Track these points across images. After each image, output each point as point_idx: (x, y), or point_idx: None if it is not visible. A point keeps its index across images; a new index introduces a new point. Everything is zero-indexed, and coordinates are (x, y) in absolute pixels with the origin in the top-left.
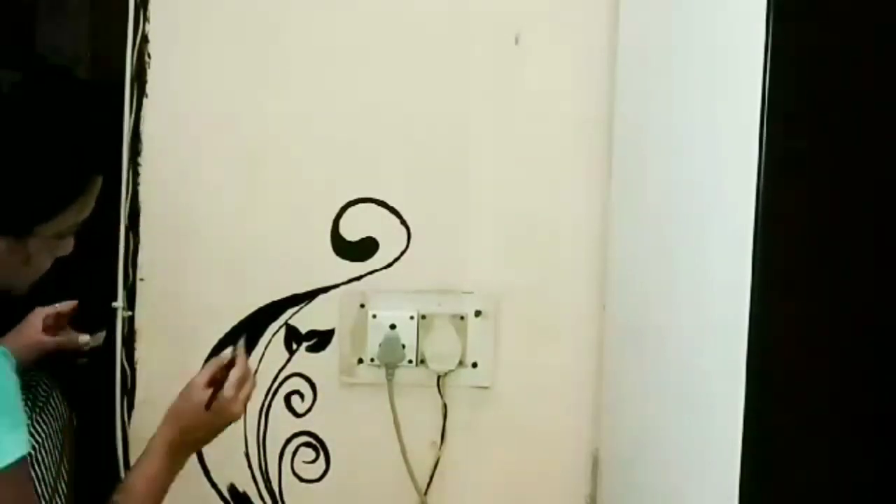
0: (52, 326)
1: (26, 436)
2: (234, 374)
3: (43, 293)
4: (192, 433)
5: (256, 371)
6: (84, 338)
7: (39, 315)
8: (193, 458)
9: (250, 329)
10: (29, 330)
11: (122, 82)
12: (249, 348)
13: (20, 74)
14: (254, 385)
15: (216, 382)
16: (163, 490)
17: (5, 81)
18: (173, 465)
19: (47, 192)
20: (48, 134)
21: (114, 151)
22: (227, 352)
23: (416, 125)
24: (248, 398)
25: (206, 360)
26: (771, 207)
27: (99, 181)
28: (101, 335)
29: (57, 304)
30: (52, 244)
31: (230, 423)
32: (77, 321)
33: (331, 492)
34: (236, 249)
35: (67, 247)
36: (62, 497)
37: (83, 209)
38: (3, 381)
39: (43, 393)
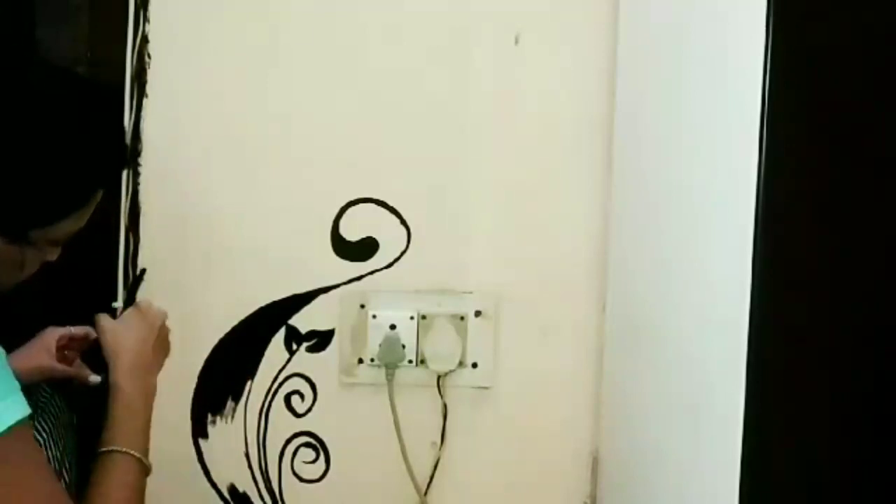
0: (62, 348)
1: (23, 399)
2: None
3: (44, 294)
4: (134, 353)
5: (256, 371)
6: (94, 378)
7: (53, 336)
8: (193, 458)
9: (249, 329)
10: (41, 353)
11: (122, 82)
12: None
13: (39, 76)
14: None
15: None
16: (139, 412)
17: (26, 82)
18: (135, 387)
19: (50, 197)
20: (60, 140)
21: (119, 166)
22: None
23: (416, 125)
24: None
25: (206, 361)
26: (771, 207)
27: (100, 194)
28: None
29: (71, 328)
30: (43, 250)
31: (163, 331)
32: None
33: (331, 492)
34: (236, 249)
35: (55, 254)
36: None
37: (80, 220)
38: None
39: (44, 396)
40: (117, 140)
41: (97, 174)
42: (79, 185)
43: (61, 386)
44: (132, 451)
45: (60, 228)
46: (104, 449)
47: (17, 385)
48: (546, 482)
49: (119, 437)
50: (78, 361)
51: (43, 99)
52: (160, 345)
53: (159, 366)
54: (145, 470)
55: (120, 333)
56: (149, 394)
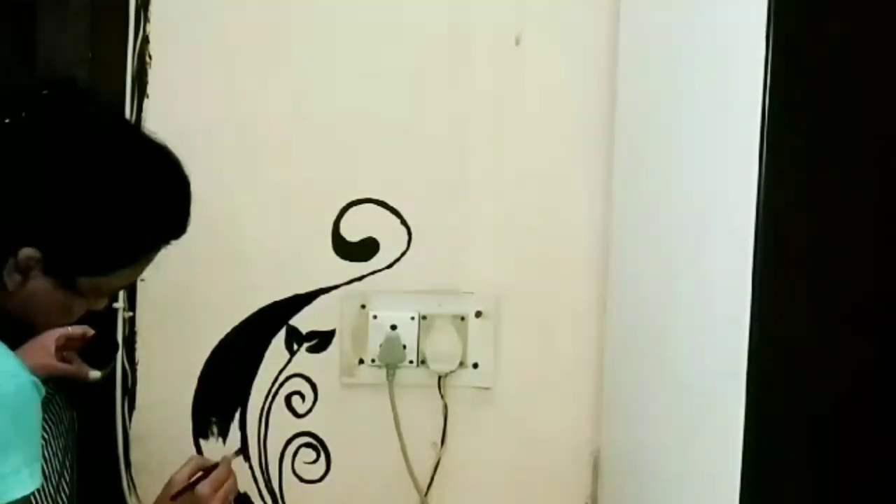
0: (61, 348)
1: (39, 471)
2: (215, 473)
3: None
4: None
5: (257, 372)
6: (94, 373)
7: (51, 337)
8: None
9: (250, 329)
10: (40, 351)
11: (122, 82)
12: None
13: (119, 131)
14: (235, 489)
15: (197, 479)
16: None
17: (105, 141)
18: None
19: (105, 248)
20: (126, 195)
21: (179, 231)
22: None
23: (417, 125)
24: (226, 500)
25: (207, 361)
26: (771, 207)
27: (154, 255)
28: (108, 369)
29: (69, 328)
30: (90, 301)
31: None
32: (86, 352)
33: (331, 492)
34: (237, 250)
35: (101, 305)
36: (65, 498)
37: (130, 276)
38: (33, 415)
39: (45, 396)
40: (182, 205)
41: (155, 235)
42: (135, 241)
43: (61, 384)
44: None
45: (110, 281)
46: None
47: (39, 454)
48: (546, 482)
49: None
50: (77, 359)
51: (117, 156)
52: None
53: None
54: None
55: (161, 499)
56: None
